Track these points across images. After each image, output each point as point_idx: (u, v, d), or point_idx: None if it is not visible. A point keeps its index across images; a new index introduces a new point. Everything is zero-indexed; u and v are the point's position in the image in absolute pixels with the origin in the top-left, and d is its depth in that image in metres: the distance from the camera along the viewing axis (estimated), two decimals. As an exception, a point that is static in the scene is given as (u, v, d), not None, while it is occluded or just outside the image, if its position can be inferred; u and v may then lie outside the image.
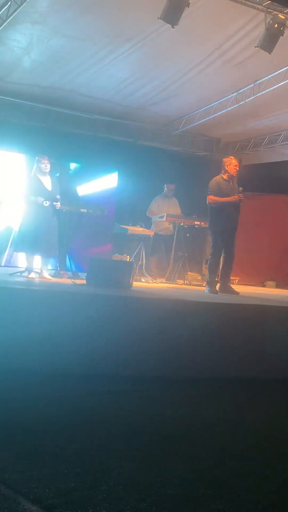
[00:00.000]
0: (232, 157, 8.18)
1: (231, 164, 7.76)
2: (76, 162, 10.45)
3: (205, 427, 4.03)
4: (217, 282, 7.86)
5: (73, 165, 10.71)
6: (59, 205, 7.64)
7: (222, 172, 7.82)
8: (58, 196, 7.66)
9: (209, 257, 7.86)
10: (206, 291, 7.71)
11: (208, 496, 2.76)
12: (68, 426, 3.69)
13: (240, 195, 7.60)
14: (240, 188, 7.72)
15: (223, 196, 7.58)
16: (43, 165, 7.68)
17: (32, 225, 7.58)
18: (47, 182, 7.71)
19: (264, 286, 11.57)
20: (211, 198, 7.63)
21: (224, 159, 8.02)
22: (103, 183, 11.13)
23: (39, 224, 7.53)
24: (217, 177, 7.80)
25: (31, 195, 7.59)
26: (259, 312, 6.24)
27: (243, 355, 5.72)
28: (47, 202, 7.50)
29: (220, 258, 7.76)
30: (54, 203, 7.57)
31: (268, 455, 3.52)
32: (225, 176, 7.76)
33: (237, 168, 7.81)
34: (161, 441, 3.60)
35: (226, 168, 7.76)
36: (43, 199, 7.49)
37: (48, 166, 7.71)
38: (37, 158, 7.78)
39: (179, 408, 4.46)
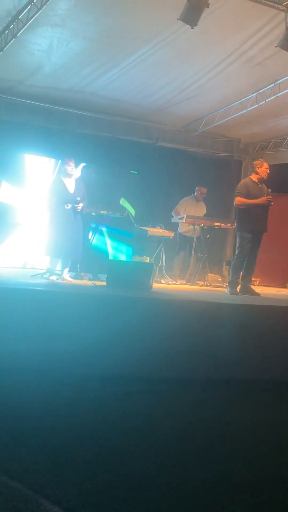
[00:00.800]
0: (262, 159, 8.21)
1: (263, 166, 7.76)
2: (96, 164, 10.47)
3: (227, 428, 4.01)
4: (238, 283, 7.82)
5: (94, 167, 10.72)
6: (79, 207, 7.65)
7: (252, 174, 7.81)
8: (78, 198, 7.68)
9: (234, 257, 7.85)
10: (227, 292, 7.68)
11: (228, 498, 2.75)
12: (88, 428, 3.70)
13: (269, 196, 7.57)
14: (269, 189, 7.69)
15: (251, 198, 7.56)
16: (69, 167, 7.73)
17: (57, 228, 7.63)
18: (71, 184, 7.74)
19: (285, 287, 11.47)
20: (238, 199, 7.63)
21: (255, 162, 8.07)
22: (123, 184, 11.12)
23: (64, 227, 7.57)
24: (246, 179, 7.85)
25: (54, 198, 7.64)
26: (280, 313, 6.19)
27: (263, 356, 5.68)
28: (69, 205, 7.54)
29: (245, 260, 7.72)
30: (75, 205, 7.59)
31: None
32: (254, 179, 7.75)
33: (268, 171, 7.78)
34: (181, 442, 3.59)
35: (257, 170, 7.76)
36: (66, 203, 7.53)
37: (74, 169, 7.76)
38: (62, 160, 7.83)
39: (199, 410, 4.44)
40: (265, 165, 7.82)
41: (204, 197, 10.27)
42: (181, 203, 10.21)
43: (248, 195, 7.60)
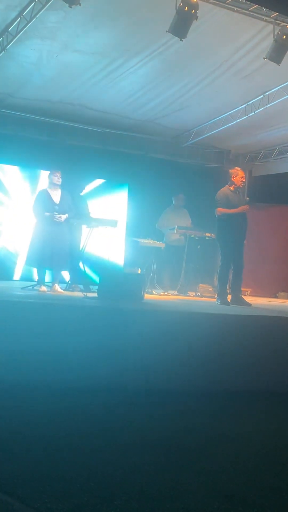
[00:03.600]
0: (238, 168, 8.21)
1: (238, 175, 7.79)
2: (87, 175, 10.48)
3: (220, 440, 3.99)
4: (227, 293, 7.83)
5: (84, 179, 10.72)
6: (62, 218, 7.60)
7: (229, 183, 7.84)
8: (56, 207, 7.64)
9: (219, 268, 7.88)
10: (217, 302, 7.69)
11: (223, 510, 2.73)
12: (81, 441, 3.67)
13: (247, 206, 7.62)
14: (247, 198, 7.75)
15: (232, 207, 7.61)
16: (55, 178, 7.75)
17: (41, 239, 7.60)
18: (56, 195, 7.75)
19: (276, 297, 11.50)
20: (220, 210, 7.66)
21: (230, 171, 8.06)
22: (114, 196, 11.13)
23: (49, 237, 7.55)
24: (224, 189, 7.84)
25: (38, 209, 7.64)
26: (271, 323, 6.19)
27: (255, 367, 5.68)
28: (47, 213, 7.52)
29: (229, 269, 7.76)
30: (58, 215, 7.54)
31: (283, 469, 3.48)
32: (231, 188, 7.80)
33: (244, 180, 7.84)
34: (175, 454, 3.56)
35: (233, 179, 7.80)
36: (47, 212, 7.52)
37: (60, 179, 7.77)
38: (50, 171, 7.85)
39: (191, 421, 4.42)
40: (241, 173, 7.87)
41: (183, 203, 10.28)
42: (162, 216, 10.28)
43: (228, 205, 7.63)
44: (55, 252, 7.59)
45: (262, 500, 2.91)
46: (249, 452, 3.76)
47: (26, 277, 9.52)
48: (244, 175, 7.87)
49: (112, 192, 11.08)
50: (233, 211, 7.59)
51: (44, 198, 7.69)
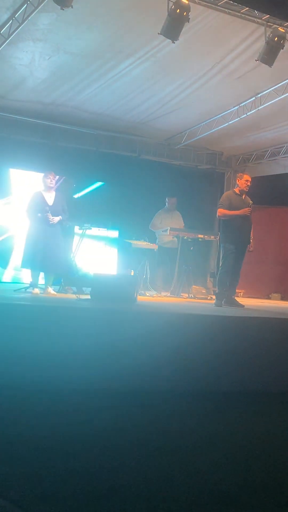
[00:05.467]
0: (246, 173, 8.33)
1: (242, 178, 7.86)
2: (79, 177, 10.48)
3: (214, 440, 4.00)
4: (225, 295, 7.83)
5: (76, 180, 10.72)
6: (54, 219, 7.57)
7: (234, 186, 7.94)
8: (47, 208, 7.61)
9: (219, 270, 7.87)
10: (215, 304, 7.68)
11: (217, 511, 2.73)
12: (75, 443, 3.66)
13: (249, 208, 7.65)
14: (251, 202, 7.78)
15: (234, 210, 7.62)
16: (48, 180, 7.71)
17: (35, 241, 7.57)
18: (50, 197, 7.72)
19: (269, 298, 11.54)
20: (220, 211, 7.71)
21: (237, 175, 8.19)
22: (106, 197, 11.12)
23: (42, 239, 7.52)
24: (229, 192, 8.03)
25: (31, 210, 7.62)
26: (264, 325, 6.20)
27: (248, 368, 5.68)
28: (39, 214, 7.50)
29: (230, 272, 7.74)
30: (51, 217, 7.51)
31: (274, 469, 3.48)
32: (236, 191, 7.89)
33: (248, 184, 7.86)
34: (170, 455, 3.56)
35: (237, 182, 7.89)
36: (40, 214, 7.50)
37: (54, 181, 7.76)
38: (44, 173, 7.83)
39: (184, 422, 4.42)
40: (245, 177, 7.90)
41: (176, 206, 10.32)
42: (155, 217, 10.28)
43: (230, 207, 7.66)
44: (48, 254, 7.56)
45: (256, 500, 2.91)
46: (243, 452, 3.77)
47: (16, 280, 9.53)
48: (249, 179, 7.89)
49: (105, 193, 11.07)
50: (232, 212, 7.61)
51: (38, 200, 7.66)
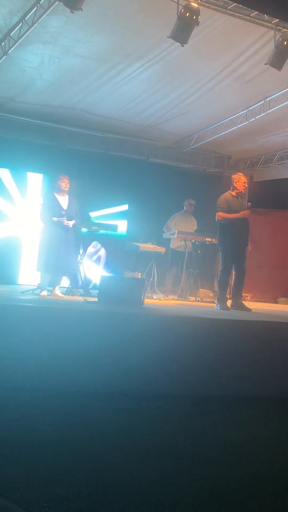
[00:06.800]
0: (241, 173, 8.21)
1: (240, 180, 7.79)
2: (88, 180, 10.48)
3: (219, 445, 3.98)
4: (227, 298, 7.82)
5: (86, 184, 10.73)
6: (69, 223, 7.55)
7: (231, 188, 7.84)
8: (63, 212, 7.61)
9: (219, 273, 7.84)
10: (216, 307, 7.67)
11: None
12: (80, 445, 3.65)
13: (248, 211, 7.62)
14: (249, 203, 7.75)
15: (232, 213, 7.59)
16: (63, 184, 7.66)
17: (48, 244, 7.55)
18: (64, 201, 7.68)
19: (276, 302, 11.50)
20: (220, 214, 7.65)
21: (233, 176, 8.05)
22: (115, 200, 11.14)
23: (57, 243, 7.51)
24: (226, 194, 7.83)
25: (46, 214, 7.59)
26: (271, 329, 6.18)
27: (255, 372, 5.66)
28: (55, 218, 7.48)
29: (230, 275, 7.76)
30: (66, 221, 7.49)
31: (282, 474, 3.47)
32: (233, 193, 7.80)
33: (246, 185, 7.84)
34: (172, 458, 3.55)
35: (235, 184, 7.80)
36: (55, 218, 7.49)
37: (68, 185, 7.71)
38: (56, 176, 7.79)
39: (191, 426, 4.41)
40: (243, 179, 7.86)
41: (193, 210, 10.30)
42: (171, 219, 10.25)
43: (229, 210, 7.62)
44: (62, 258, 7.55)
45: (261, 505, 2.90)
46: (248, 457, 3.75)
47: (24, 281, 9.53)
48: (246, 181, 7.87)
49: (113, 197, 11.07)
50: (233, 215, 7.58)
51: (52, 204, 7.63)
